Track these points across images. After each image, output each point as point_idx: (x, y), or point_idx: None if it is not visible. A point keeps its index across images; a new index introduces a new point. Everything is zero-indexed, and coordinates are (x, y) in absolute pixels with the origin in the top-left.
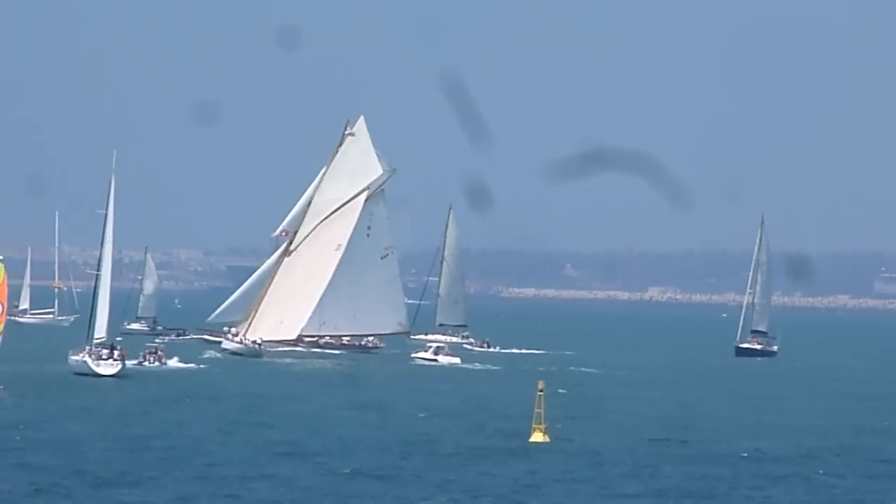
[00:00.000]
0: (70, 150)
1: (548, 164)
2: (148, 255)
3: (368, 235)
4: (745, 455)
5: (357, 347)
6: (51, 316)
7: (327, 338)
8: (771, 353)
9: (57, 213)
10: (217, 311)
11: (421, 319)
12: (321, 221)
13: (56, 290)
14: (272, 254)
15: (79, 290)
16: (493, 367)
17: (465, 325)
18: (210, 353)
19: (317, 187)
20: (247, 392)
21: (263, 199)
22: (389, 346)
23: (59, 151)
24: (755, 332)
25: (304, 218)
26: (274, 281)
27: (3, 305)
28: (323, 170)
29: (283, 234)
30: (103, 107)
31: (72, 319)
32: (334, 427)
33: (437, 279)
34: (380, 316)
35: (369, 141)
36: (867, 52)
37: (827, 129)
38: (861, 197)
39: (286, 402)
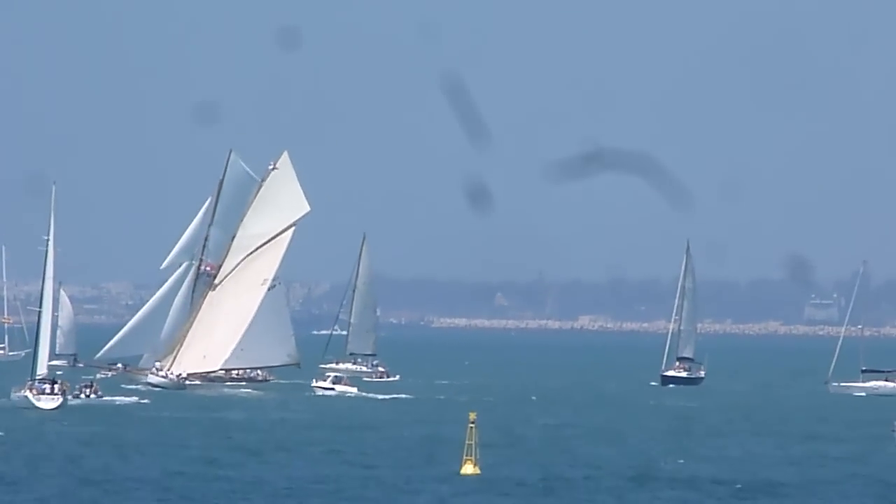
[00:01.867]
0: (70, 150)
1: (548, 164)
2: (61, 290)
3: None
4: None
5: (247, 380)
6: (1, 351)
7: (220, 372)
8: (697, 379)
9: (3, 247)
10: (107, 347)
11: (333, 348)
12: (246, 256)
13: (4, 325)
14: (161, 286)
15: (18, 325)
16: (399, 396)
17: (374, 354)
18: (135, 386)
19: (200, 223)
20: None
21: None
22: (292, 375)
23: (59, 151)
24: (681, 359)
25: (226, 253)
26: (198, 315)
27: None
28: (207, 202)
29: (208, 268)
30: (104, 106)
31: (23, 354)
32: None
33: (348, 308)
34: (268, 348)
35: (294, 176)
36: (867, 52)
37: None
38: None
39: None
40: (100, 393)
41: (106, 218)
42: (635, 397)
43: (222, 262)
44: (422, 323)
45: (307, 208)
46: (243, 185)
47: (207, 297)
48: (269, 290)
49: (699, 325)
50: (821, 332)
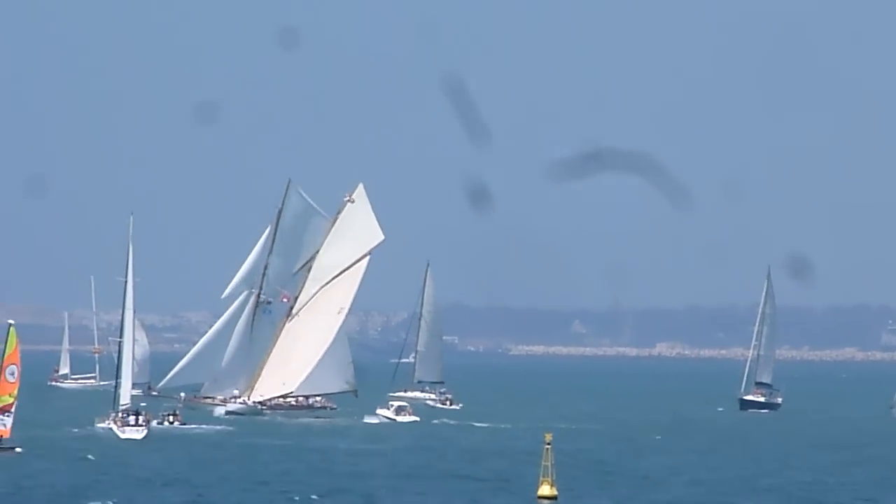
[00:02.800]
0: (70, 149)
1: (548, 164)
2: (135, 319)
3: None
4: None
5: (305, 408)
6: (93, 381)
7: (278, 399)
8: (775, 405)
9: (92, 277)
10: (169, 376)
11: (400, 376)
12: (323, 286)
13: (96, 354)
14: (222, 314)
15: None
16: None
17: (442, 382)
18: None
19: (260, 253)
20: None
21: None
22: (352, 405)
23: (60, 150)
24: (759, 384)
25: (303, 283)
26: (277, 345)
27: (17, 368)
28: (266, 231)
29: (284, 298)
30: (103, 106)
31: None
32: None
33: (415, 337)
34: (327, 375)
35: (369, 207)
36: (868, 51)
37: (827, 131)
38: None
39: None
40: (182, 420)
41: (183, 246)
42: (713, 422)
43: (299, 293)
44: (499, 350)
45: (381, 237)
46: (302, 214)
47: (285, 327)
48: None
49: (777, 351)
50: None
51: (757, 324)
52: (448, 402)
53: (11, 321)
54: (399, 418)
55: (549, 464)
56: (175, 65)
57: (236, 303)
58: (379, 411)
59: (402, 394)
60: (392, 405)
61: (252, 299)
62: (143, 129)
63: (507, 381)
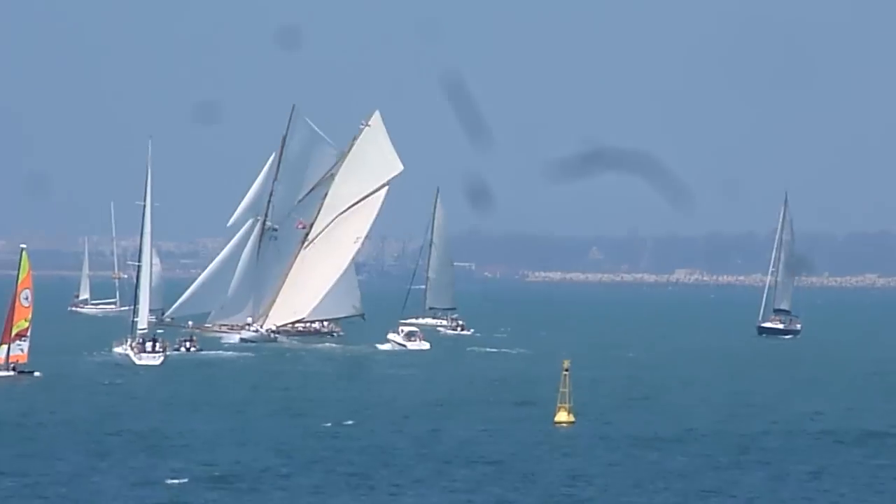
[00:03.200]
0: (70, 150)
1: (548, 164)
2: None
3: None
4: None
5: (313, 332)
6: (113, 306)
7: (288, 325)
8: (794, 332)
9: (112, 203)
10: (176, 305)
11: (412, 303)
12: (338, 215)
13: (116, 280)
14: (227, 243)
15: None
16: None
17: (454, 308)
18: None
19: (265, 180)
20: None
21: None
22: (361, 331)
23: (60, 150)
24: (778, 311)
25: (318, 211)
26: (291, 272)
27: (30, 294)
28: (270, 158)
29: (300, 225)
30: (104, 107)
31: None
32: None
33: (425, 263)
34: (335, 300)
35: (386, 135)
36: (867, 51)
37: (828, 126)
38: (871, 183)
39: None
40: (198, 346)
41: (200, 172)
42: (732, 349)
43: (314, 221)
44: (516, 277)
45: (400, 167)
46: (307, 141)
47: (300, 255)
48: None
49: (796, 278)
50: None
51: (774, 250)
52: (459, 328)
53: (24, 245)
54: (409, 344)
55: (566, 390)
56: (175, 65)
57: (242, 230)
58: (390, 336)
59: (413, 320)
60: (402, 331)
61: (258, 227)
62: (144, 129)
63: (522, 307)
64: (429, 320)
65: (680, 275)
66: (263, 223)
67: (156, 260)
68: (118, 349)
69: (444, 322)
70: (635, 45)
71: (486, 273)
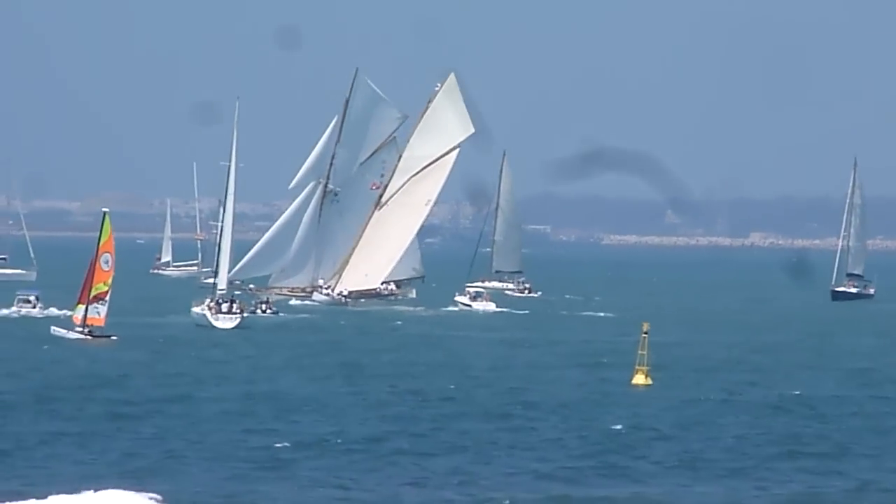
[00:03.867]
0: (71, 149)
1: (548, 164)
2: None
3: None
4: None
5: (374, 296)
6: (195, 268)
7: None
8: (867, 296)
9: (195, 164)
10: (238, 267)
11: (479, 267)
12: (412, 177)
13: (198, 241)
14: (290, 205)
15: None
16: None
17: (520, 272)
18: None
19: (326, 143)
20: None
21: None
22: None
23: (61, 151)
24: (851, 276)
25: (393, 172)
26: (364, 235)
27: (111, 257)
28: (333, 121)
29: (374, 187)
30: (104, 106)
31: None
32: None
33: (492, 227)
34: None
35: (460, 97)
36: (867, 51)
37: (827, 126)
38: None
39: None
40: (275, 308)
41: (276, 134)
42: (805, 313)
43: (388, 182)
44: (591, 240)
45: (472, 129)
46: (369, 103)
47: (374, 217)
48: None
49: (870, 242)
50: None
51: (845, 214)
52: (527, 291)
53: (106, 209)
54: (475, 305)
55: (644, 352)
56: (175, 65)
57: (304, 193)
58: (457, 298)
59: (480, 283)
60: (468, 292)
61: (319, 189)
62: (143, 129)
63: (594, 270)
64: (495, 283)
65: (755, 238)
66: (325, 186)
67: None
68: (196, 309)
69: (511, 285)
70: (635, 45)
71: (561, 236)
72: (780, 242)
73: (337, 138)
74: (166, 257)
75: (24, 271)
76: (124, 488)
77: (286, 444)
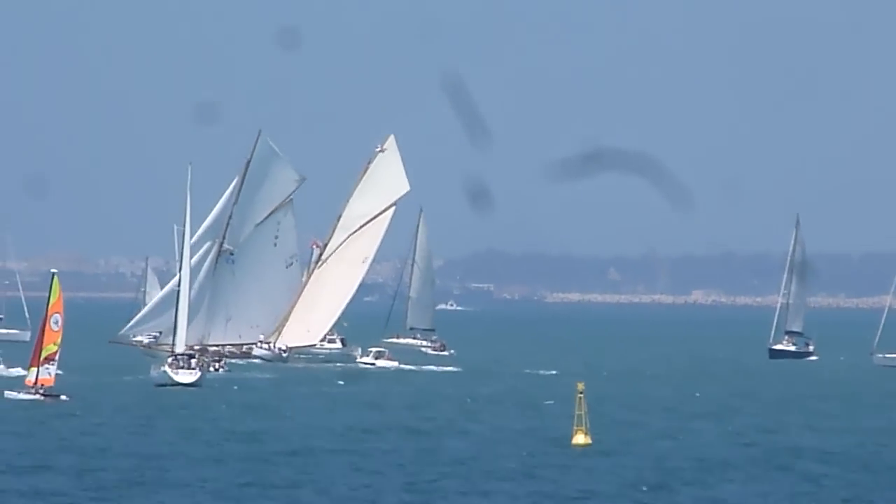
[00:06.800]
0: (71, 149)
1: (548, 164)
2: (149, 268)
3: (276, 245)
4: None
5: (245, 355)
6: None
7: (230, 347)
8: (806, 355)
9: (175, 226)
10: (130, 324)
11: (393, 322)
12: (350, 235)
13: None
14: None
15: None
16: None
17: (433, 329)
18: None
19: (225, 203)
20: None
21: None
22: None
23: (61, 151)
24: (790, 333)
25: (332, 232)
26: (305, 290)
27: (60, 318)
28: (234, 182)
29: (314, 245)
30: (104, 106)
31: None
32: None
33: (407, 282)
34: (287, 324)
35: (399, 158)
36: (867, 51)
37: (829, 129)
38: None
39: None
40: (228, 367)
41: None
42: (743, 370)
43: (328, 241)
44: (535, 298)
45: (407, 188)
46: (269, 164)
47: (314, 274)
48: (286, 267)
49: (811, 300)
50: None
51: (786, 272)
52: (442, 349)
53: (55, 270)
54: (378, 363)
55: (582, 412)
56: (175, 65)
57: (200, 252)
58: (360, 359)
59: (395, 340)
60: (370, 351)
61: (215, 249)
62: (143, 129)
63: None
64: (410, 340)
65: (697, 296)
66: (221, 245)
67: (154, 281)
68: (155, 371)
69: (426, 342)
70: (636, 45)
71: (504, 294)
72: (721, 300)
73: (235, 199)
74: None
75: (17, 331)
76: None
77: None
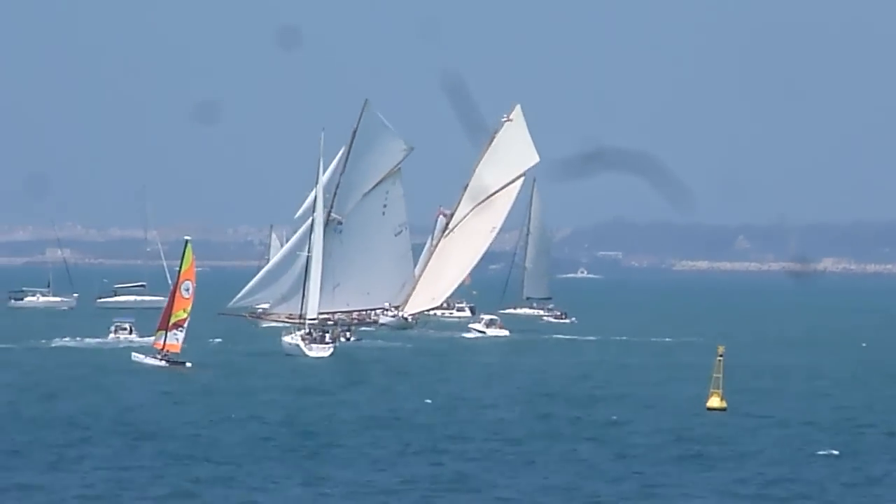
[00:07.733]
0: (72, 150)
1: (548, 164)
2: (273, 235)
3: (384, 214)
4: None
5: (369, 322)
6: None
7: (339, 315)
8: None
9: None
10: (239, 296)
11: (510, 293)
12: (477, 205)
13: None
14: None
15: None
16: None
17: (550, 298)
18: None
19: (332, 173)
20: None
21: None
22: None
23: (61, 151)
24: None
25: (459, 201)
26: (431, 259)
27: (192, 284)
28: (340, 151)
29: (441, 214)
30: (104, 106)
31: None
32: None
33: (522, 253)
34: (391, 291)
35: (525, 128)
36: (866, 52)
37: (827, 125)
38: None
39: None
40: (358, 335)
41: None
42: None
43: (454, 210)
44: (663, 266)
45: (536, 159)
46: (376, 135)
47: (440, 244)
48: (395, 235)
49: None
50: None
51: None
52: (563, 317)
53: (188, 237)
54: (489, 331)
55: (719, 375)
56: (175, 65)
57: (307, 223)
58: (471, 325)
59: (512, 310)
60: (482, 319)
61: (323, 218)
62: (143, 129)
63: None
64: (527, 310)
65: (827, 263)
66: (329, 215)
67: (278, 248)
68: (287, 339)
69: (543, 311)
70: (636, 45)
71: (632, 262)
72: (852, 267)
73: (342, 168)
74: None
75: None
76: None
77: None
